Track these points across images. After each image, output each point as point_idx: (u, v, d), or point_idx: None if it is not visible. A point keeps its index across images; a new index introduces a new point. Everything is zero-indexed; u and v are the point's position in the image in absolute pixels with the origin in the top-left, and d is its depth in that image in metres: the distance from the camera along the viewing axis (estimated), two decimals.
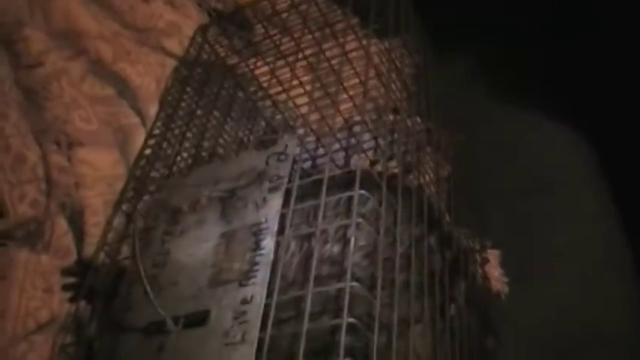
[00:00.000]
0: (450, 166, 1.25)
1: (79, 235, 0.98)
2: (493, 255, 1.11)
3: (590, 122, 1.27)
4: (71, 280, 0.96)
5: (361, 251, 0.79)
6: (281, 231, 0.76)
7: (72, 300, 0.93)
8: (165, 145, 1.06)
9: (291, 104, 1.22)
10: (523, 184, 1.24)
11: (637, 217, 1.16)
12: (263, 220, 0.77)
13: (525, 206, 1.21)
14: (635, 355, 1.06)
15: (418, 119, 1.23)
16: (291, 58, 1.11)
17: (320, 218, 0.74)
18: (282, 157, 0.83)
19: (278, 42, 1.13)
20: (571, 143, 1.29)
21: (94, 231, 0.98)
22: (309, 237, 0.80)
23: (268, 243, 0.74)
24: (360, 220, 0.72)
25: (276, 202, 0.78)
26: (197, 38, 1.19)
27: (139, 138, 1.09)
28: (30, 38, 1.05)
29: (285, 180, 0.79)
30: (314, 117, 1.16)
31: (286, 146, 0.84)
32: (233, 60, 1.21)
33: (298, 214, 0.80)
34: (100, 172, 1.02)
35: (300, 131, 1.24)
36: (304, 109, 1.17)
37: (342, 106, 1.14)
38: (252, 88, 1.24)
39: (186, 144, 1.08)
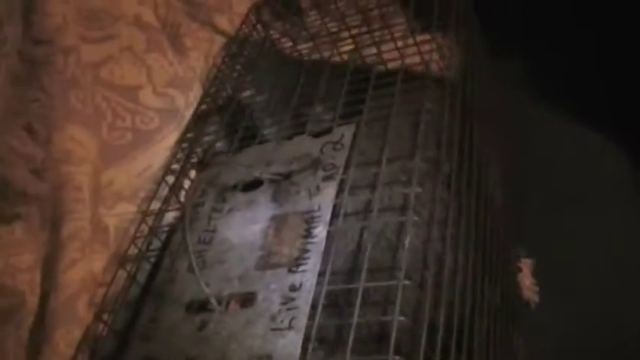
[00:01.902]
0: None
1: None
2: (526, 264, 1.11)
3: (633, 135, 1.27)
4: None
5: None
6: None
7: None
8: (215, 120, 1.06)
9: None
10: (564, 194, 1.23)
11: None
12: (316, 207, 0.77)
13: (563, 215, 1.21)
14: None
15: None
16: (345, 48, 1.10)
17: (375, 211, 0.73)
18: (338, 146, 0.83)
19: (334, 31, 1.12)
20: (616, 155, 1.28)
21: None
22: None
23: (320, 231, 0.74)
24: (416, 218, 0.71)
25: (330, 190, 0.78)
26: (250, 17, 1.18)
27: (153, 146, 1.02)
28: (49, 14, 0.98)
29: (341, 170, 0.79)
30: None
31: (342, 135, 0.84)
32: (285, 43, 1.20)
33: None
34: (88, 152, 0.96)
35: None
36: None
37: None
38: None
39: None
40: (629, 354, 1.07)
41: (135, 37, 1.04)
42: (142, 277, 0.87)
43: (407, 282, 0.67)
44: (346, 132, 0.84)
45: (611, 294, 1.12)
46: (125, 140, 0.99)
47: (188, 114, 1.04)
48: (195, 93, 1.07)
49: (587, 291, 1.13)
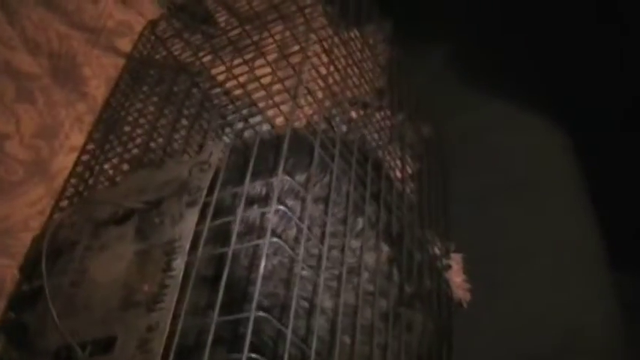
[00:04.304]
0: (419, 163, 1.19)
1: None
2: (456, 260, 1.04)
3: (565, 118, 1.20)
4: None
5: None
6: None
7: None
8: (107, 147, 1.01)
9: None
10: (493, 182, 1.17)
11: (611, 218, 1.09)
12: (177, 237, 0.72)
13: (495, 205, 1.14)
14: None
15: (387, 113, 1.18)
16: (249, 55, 1.05)
17: (234, 236, 0.68)
18: (205, 166, 0.77)
19: (234, 32, 1.07)
20: (544, 139, 1.22)
21: None
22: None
23: (179, 264, 0.69)
24: (274, 239, 0.66)
25: (191, 217, 0.72)
26: (146, 34, 1.13)
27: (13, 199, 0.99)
28: None
29: (204, 193, 0.74)
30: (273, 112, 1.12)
31: (210, 154, 0.78)
32: (187, 56, 1.15)
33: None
34: None
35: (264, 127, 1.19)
36: (262, 104, 1.12)
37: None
38: (208, 85, 1.18)
39: (131, 145, 1.02)
40: (567, 350, 1.00)
41: (4, 86, 1.00)
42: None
43: (261, 314, 0.61)
44: (214, 149, 0.78)
45: (548, 289, 1.06)
46: None
47: (54, 165, 1.00)
48: (61, 141, 1.02)
49: (522, 286, 1.06)
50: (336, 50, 1.07)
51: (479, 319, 1.02)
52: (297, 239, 0.73)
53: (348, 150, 0.84)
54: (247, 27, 1.11)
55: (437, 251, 1.03)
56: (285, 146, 0.72)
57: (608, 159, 1.11)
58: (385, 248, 0.84)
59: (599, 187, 1.13)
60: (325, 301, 0.73)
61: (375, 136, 1.16)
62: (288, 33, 1.04)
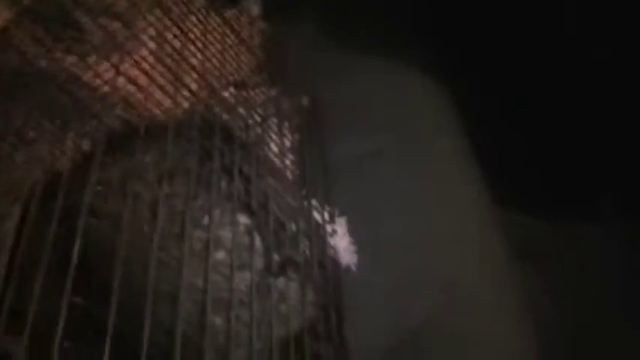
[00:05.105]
0: (297, 134, 1.17)
1: None
2: (340, 224, 1.02)
3: (443, 77, 1.18)
4: None
5: None
6: None
7: None
8: None
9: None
10: (373, 145, 1.15)
11: (493, 168, 1.07)
12: (2, 235, 0.69)
13: (375, 167, 1.12)
14: (491, 316, 0.98)
15: (264, 89, 1.17)
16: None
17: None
18: (35, 164, 0.74)
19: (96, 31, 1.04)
20: (421, 98, 1.20)
21: None
22: None
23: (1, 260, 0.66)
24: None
25: (16, 213, 0.69)
26: None
27: None
28: None
29: (33, 189, 0.71)
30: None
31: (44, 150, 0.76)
32: (44, 58, 1.11)
33: None
34: None
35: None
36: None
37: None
38: (73, 86, 1.14)
39: None
40: (448, 305, 0.99)
41: None
42: None
43: (77, 300, 0.59)
44: (49, 146, 0.75)
45: (430, 245, 1.04)
46: None
47: None
48: None
49: (406, 245, 1.04)
50: (196, 30, 1.06)
51: (366, 281, 0.99)
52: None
53: (194, 127, 0.82)
54: (110, 24, 1.09)
55: (320, 218, 1.01)
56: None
57: (487, 110, 1.09)
58: (243, 220, 0.82)
59: (479, 138, 1.12)
60: (168, 279, 0.70)
61: (253, 112, 1.14)
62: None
